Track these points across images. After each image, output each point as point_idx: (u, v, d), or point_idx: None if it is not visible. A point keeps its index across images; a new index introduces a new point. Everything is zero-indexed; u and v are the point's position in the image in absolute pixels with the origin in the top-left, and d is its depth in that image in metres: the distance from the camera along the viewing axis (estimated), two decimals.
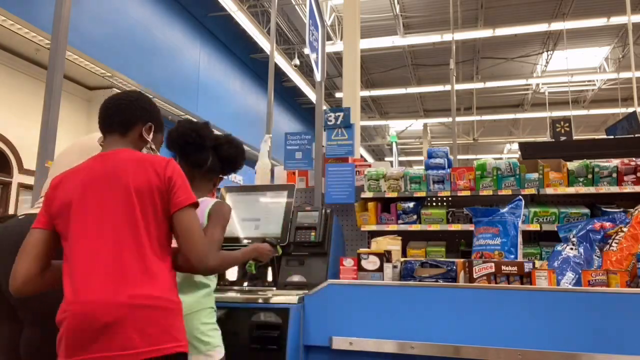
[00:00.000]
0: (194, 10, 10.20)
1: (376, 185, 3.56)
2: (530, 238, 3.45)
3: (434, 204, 3.76)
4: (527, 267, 1.87)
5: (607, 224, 2.15)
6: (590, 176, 3.26)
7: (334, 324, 1.74)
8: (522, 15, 10.78)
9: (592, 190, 3.22)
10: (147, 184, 1.41)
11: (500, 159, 3.65)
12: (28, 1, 6.21)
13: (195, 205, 1.49)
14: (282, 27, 11.71)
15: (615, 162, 3.26)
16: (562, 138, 4.81)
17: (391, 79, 14.28)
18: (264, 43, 10.49)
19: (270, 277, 2.38)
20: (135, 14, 8.50)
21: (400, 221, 3.49)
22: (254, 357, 1.93)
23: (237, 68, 12.07)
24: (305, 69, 13.14)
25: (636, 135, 4.59)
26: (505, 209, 2.29)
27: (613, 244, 1.98)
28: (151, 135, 1.59)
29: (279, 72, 11.76)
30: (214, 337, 1.75)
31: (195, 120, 2.07)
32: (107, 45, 7.67)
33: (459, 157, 17.29)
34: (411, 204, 3.51)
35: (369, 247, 3.60)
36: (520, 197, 2.39)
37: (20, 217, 1.73)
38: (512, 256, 2.11)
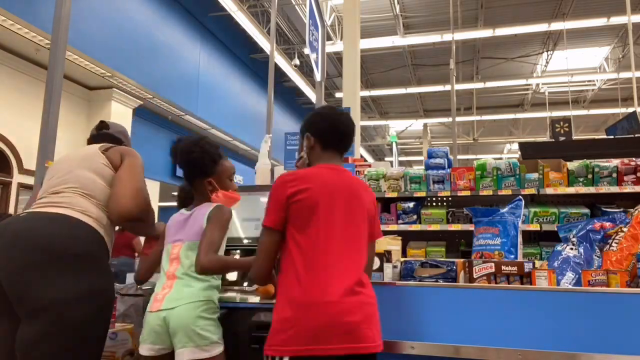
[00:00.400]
0: (194, 10, 10.20)
1: (376, 185, 3.56)
2: (530, 238, 3.45)
3: (434, 204, 3.76)
4: (527, 267, 1.86)
5: (607, 224, 2.15)
6: (590, 176, 3.27)
7: None
8: (522, 15, 10.78)
9: (592, 190, 3.22)
10: (370, 209, 1.75)
11: (500, 159, 3.65)
12: (28, 1, 6.21)
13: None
14: (282, 27, 11.71)
15: (615, 162, 3.26)
16: (562, 138, 4.81)
17: (391, 79, 14.28)
18: (264, 43, 10.49)
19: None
20: (135, 14, 8.50)
21: (400, 221, 3.49)
22: (254, 357, 1.93)
23: (237, 68, 12.07)
24: (305, 69, 13.14)
25: (636, 135, 4.58)
26: (505, 209, 2.29)
27: (613, 244, 1.97)
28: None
29: (279, 72, 11.76)
30: (213, 332, 1.80)
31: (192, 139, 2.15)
32: (107, 45, 7.67)
33: (459, 157, 17.30)
34: (411, 204, 3.52)
35: None
36: (521, 197, 2.38)
37: (21, 215, 1.73)
38: (512, 256, 2.11)
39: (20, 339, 1.54)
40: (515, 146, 18.12)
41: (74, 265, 1.61)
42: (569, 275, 1.96)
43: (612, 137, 5.24)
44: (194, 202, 2.06)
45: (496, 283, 1.88)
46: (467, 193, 3.39)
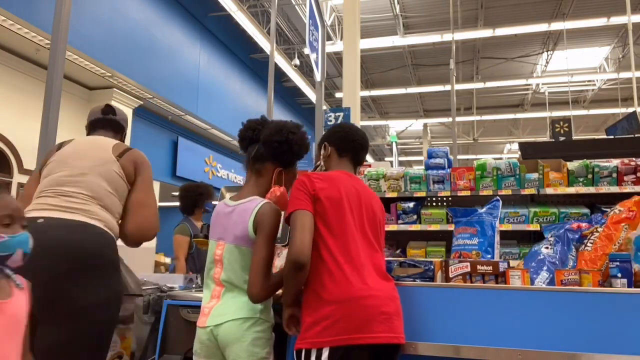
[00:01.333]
0: (194, 10, 10.19)
1: (376, 185, 3.56)
2: (530, 238, 3.45)
3: (434, 204, 3.76)
4: (502, 266, 1.88)
5: (584, 224, 2.18)
6: (590, 176, 3.27)
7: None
8: (522, 15, 10.77)
9: (592, 190, 3.22)
10: (382, 219, 1.83)
11: (500, 159, 3.65)
12: (28, 1, 6.21)
13: None
14: (282, 27, 11.71)
15: (615, 162, 3.26)
16: (562, 138, 4.81)
17: (391, 79, 14.28)
18: (264, 43, 10.49)
19: None
20: (135, 14, 8.50)
21: (400, 221, 3.49)
22: None
23: (237, 68, 12.07)
24: (305, 69, 13.14)
25: (636, 135, 4.59)
26: (483, 210, 2.31)
27: (588, 244, 1.99)
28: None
29: (279, 72, 11.76)
30: (262, 347, 1.70)
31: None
32: (107, 45, 7.66)
33: (459, 157, 17.29)
34: (411, 204, 3.52)
35: None
36: (498, 197, 2.40)
37: (39, 221, 1.71)
38: (489, 256, 2.13)
39: (46, 342, 1.58)
40: (515, 146, 18.11)
41: (102, 273, 1.70)
42: (544, 275, 1.98)
43: (612, 137, 5.23)
44: (243, 190, 1.89)
45: (472, 282, 1.89)
46: (467, 193, 3.39)
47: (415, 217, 3.48)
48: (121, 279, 1.84)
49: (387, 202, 3.56)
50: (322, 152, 1.88)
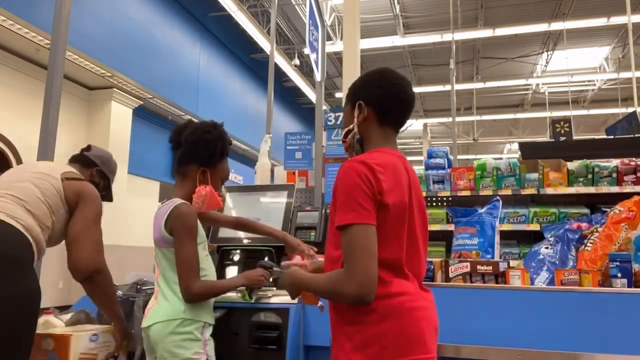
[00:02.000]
0: (194, 10, 10.19)
1: None
2: (531, 238, 3.45)
3: (434, 204, 3.76)
4: (502, 266, 1.88)
5: (584, 225, 2.18)
6: (590, 176, 3.27)
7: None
8: (522, 15, 10.77)
9: (592, 190, 3.22)
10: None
11: (500, 159, 3.64)
12: (28, 1, 6.21)
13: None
14: (282, 27, 11.71)
15: (615, 162, 3.26)
16: (562, 138, 4.80)
17: None
18: (264, 43, 10.49)
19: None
20: (135, 14, 8.50)
21: None
22: (254, 357, 1.93)
23: (237, 68, 12.07)
24: (305, 69, 13.14)
25: (636, 135, 4.58)
26: (483, 210, 2.32)
27: (588, 244, 2.00)
28: None
29: (279, 72, 11.76)
30: (187, 348, 1.70)
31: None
32: (107, 45, 7.66)
33: (459, 157, 17.27)
34: None
35: None
36: (498, 197, 2.40)
37: None
38: (489, 256, 2.13)
39: None
40: (515, 146, 18.11)
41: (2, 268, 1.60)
42: (544, 275, 1.98)
43: (612, 137, 5.23)
44: (173, 192, 1.93)
45: (472, 282, 1.90)
46: (467, 193, 3.39)
47: None
48: (28, 279, 1.68)
49: None
50: (356, 113, 1.42)
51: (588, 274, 1.79)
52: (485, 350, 1.71)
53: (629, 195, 3.14)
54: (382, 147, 1.41)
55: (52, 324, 1.99)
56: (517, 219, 3.31)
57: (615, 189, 3.19)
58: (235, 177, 12.16)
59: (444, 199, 3.71)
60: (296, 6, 10.85)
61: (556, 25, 10.29)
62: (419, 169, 3.68)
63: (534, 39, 11.93)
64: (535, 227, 3.26)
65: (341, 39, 9.86)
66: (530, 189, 3.29)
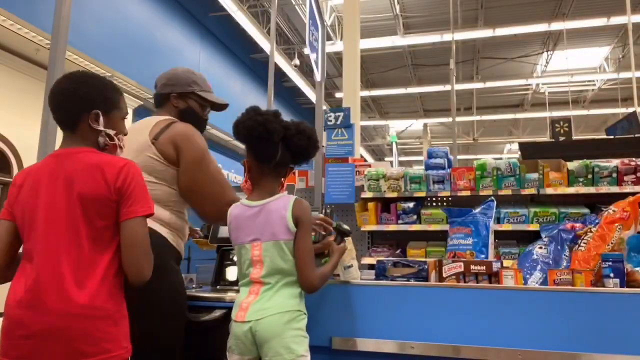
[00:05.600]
0: (194, 10, 10.19)
1: (376, 185, 3.56)
2: (530, 238, 3.45)
3: (434, 204, 3.76)
4: (495, 266, 1.89)
5: (578, 225, 2.19)
6: (590, 176, 3.27)
7: (334, 324, 1.74)
8: (522, 15, 10.77)
9: (592, 190, 3.22)
10: (95, 193, 1.39)
11: (500, 159, 3.64)
12: (28, 1, 6.22)
13: (148, 216, 1.47)
14: (282, 27, 11.71)
15: (615, 162, 3.26)
16: (562, 138, 4.80)
17: (391, 79, 14.27)
18: (264, 43, 10.48)
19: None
20: (135, 14, 8.50)
21: (400, 221, 3.49)
22: None
23: (237, 68, 12.07)
24: (305, 69, 13.14)
25: (636, 135, 4.58)
26: (478, 210, 2.33)
27: (582, 244, 2.01)
28: (102, 122, 1.51)
29: (279, 72, 11.76)
30: (301, 344, 1.67)
31: (264, 110, 1.91)
32: (107, 45, 7.67)
33: (459, 157, 17.27)
34: (411, 204, 3.52)
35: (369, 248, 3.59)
36: (493, 198, 2.41)
37: None
38: (483, 256, 2.14)
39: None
40: (515, 146, 18.10)
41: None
42: (537, 275, 1.99)
43: (612, 137, 5.23)
44: (258, 190, 1.83)
45: (465, 282, 1.90)
46: (467, 193, 3.39)
47: (415, 217, 3.48)
48: (167, 284, 1.74)
49: (387, 202, 3.56)
50: None
51: (581, 274, 1.80)
52: (485, 350, 1.71)
53: (629, 196, 3.15)
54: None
55: None
56: (517, 219, 3.31)
57: (615, 189, 3.19)
58: (235, 177, 12.16)
59: (444, 199, 3.71)
60: (296, 6, 10.85)
61: (556, 25, 10.29)
62: (419, 169, 3.68)
63: (534, 39, 11.93)
64: (535, 227, 3.25)
65: (341, 39, 9.86)
66: (530, 189, 3.29)
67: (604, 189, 3.19)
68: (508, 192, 3.32)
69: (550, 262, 2.06)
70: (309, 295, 1.76)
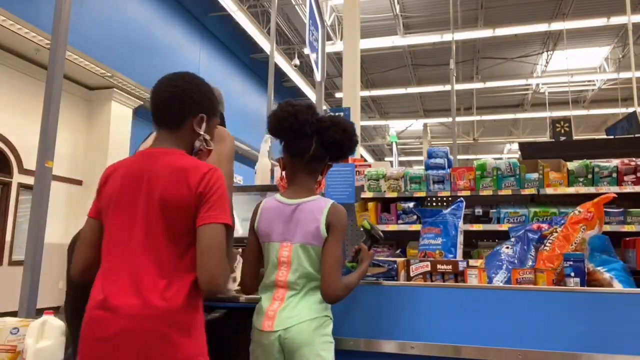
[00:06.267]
0: (194, 10, 10.20)
1: (376, 185, 3.56)
2: None
3: (434, 204, 3.75)
4: (461, 265, 1.93)
5: (544, 225, 2.23)
6: (590, 176, 3.26)
7: (335, 324, 1.74)
8: (522, 15, 10.78)
9: (592, 190, 3.22)
10: (177, 197, 1.35)
11: (500, 159, 3.64)
12: (28, 1, 6.22)
13: (227, 226, 1.39)
14: (282, 27, 11.71)
15: (615, 162, 3.26)
16: (562, 138, 4.80)
17: (391, 79, 14.28)
18: (264, 43, 10.49)
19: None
20: (135, 14, 8.50)
21: (400, 221, 3.49)
22: None
23: (237, 68, 12.07)
24: (305, 69, 13.14)
25: (636, 135, 4.58)
26: (447, 210, 2.36)
27: (547, 244, 2.05)
28: (204, 127, 1.51)
29: (279, 72, 11.76)
30: (329, 351, 1.63)
31: (297, 102, 1.79)
32: (107, 45, 7.67)
33: (459, 157, 17.29)
34: (411, 204, 3.51)
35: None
36: (462, 198, 2.44)
37: None
38: (452, 255, 2.17)
39: None
40: (515, 146, 18.11)
41: None
42: (502, 274, 2.03)
43: (612, 137, 5.23)
44: (293, 187, 1.75)
45: (432, 281, 1.95)
46: (467, 193, 3.39)
47: (415, 217, 3.48)
48: None
49: (387, 202, 3.56)
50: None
51: (543, 273, 1.85)
52: (485, 350, 1.72)
53: (629, 196, 3.15)
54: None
55: (52, 324, 1.99)
56: (517, 219, 3.31)
57: (615, 189, 3.18)
58: (235, 177, 12.17)
59: (444, 199, 3.71)
60: (296, 6, 10.85)
61: (556, 25, 10.30)
62: (419, 169, 3.68)
63: (534, 39, 11.93)
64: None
65: (341, 39, 9.87)
66: (530, 189, 3.29)
67: (604, 189, 3.18)
68: (508, 192, 3.32)
69: (516, 261, 2.10)
70: None
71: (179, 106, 1.46)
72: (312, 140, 1.72)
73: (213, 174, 1.40)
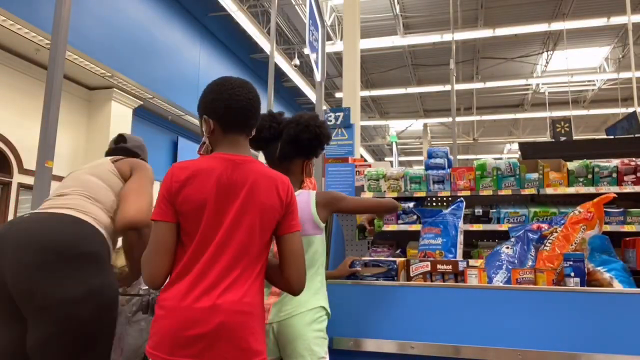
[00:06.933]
0: (194, 10, 10.19)
1: (376, 185, 3.56)
2: None
3: (434, 204, 3.76)
4: (461, 265, 1.94)
5: (544, 225, 2.24)
6: (590, 176, 3.26)
7: (335, 324, 1.74)
8: (522, 15, 10.77)
9: (592, 190, 3.22)
10: (272, 205, 1.44)
11: (500, 159, 3.64)
12: (28, 1, 6.21)
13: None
14: (282, 27, 11.71)
15: (615, 162, 3.26)
16: (562, 138, 4.80)
17: (391, 79, 14.28)
18: (264, 43, 10.49)
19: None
20: (135, 14, 8.50)
21: (400, 221, 3.49)
22: None
23: (237, 68, 12.07)
24: (305, 69, 13.14)
25: (636, 135, 4.58)
26: (447, 210, 2.37)
27: (547, 244, 2.05)
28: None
29: (279, 72, 11.76)
30: (322, 346, 1.65)
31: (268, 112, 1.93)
32: (107, 45, 7.67)
33: (459, 157, 17.29)
34: (411, 204, 3.51)
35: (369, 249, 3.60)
36: (462, 198, 2.44)
37: (25, 216, 1.75)
38: (452, 255, 2.17)
39: (30, 340, 1.56)
40: (515, 146, 18.11)
41: (79, 265, 1.62)
42: (502, 274, 2.04)
43: (612, 137, 5.22)
44: None
45: (432, 281, 1.95)
46: (467, 193, 3.39)
47: (415, 217, 3.48)
48: (111, 274, 1.74)
49: None
50: (204, 127, 1.54)
51: (543, 273, 1.86)
52: (485, 350, 1.71)
53: (629, 196, 3.15)
54: (217, 153, 1.49)
55: None
56: (517, 219, 3.31)
57: (615, 189, 3.18)
58: None
59: (444, 199, 3.71)
60: (296, 6, 10.85)
61: (556, 25, 10.30)
62: (419, 169, 3.68)
63: (534, 39, 11.93)
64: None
65: (341, 39, 9.87)
66: (530, 189, 3.29)
67: (604, 189, 3.18)
68: (508, 192, 3.32)
69: (516, 261, 2.10)
70: None
71: (256, 116, 1.55)
72: (277, 143, 1.84)
73: (290, 185, 1.52)
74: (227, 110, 1.50)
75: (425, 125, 18.15)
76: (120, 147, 2.18)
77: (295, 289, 1.48)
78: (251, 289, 1.38)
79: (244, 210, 1.40)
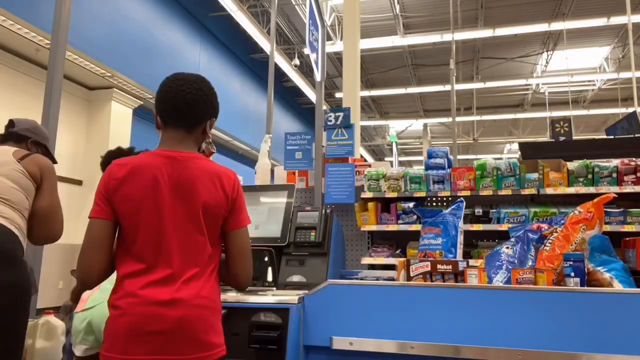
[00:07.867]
0: (194, 10, 10.19)
1: (376, 185, 3.56)
2: None
3: (434, 204, 3.76)
4: (461, 265, 1.94)
5: (544, 225, 2.24)
6: (590, 176, 3.26)
7: (334, 324, 1.74)
8: (522, 15, 10.78)
9: (592, 190, 3.22)
10: (217, 201, 1.42)
11: (500, 159, 3.64)
12: (28, 1, 6.21)
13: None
14: (282, 27, 11.71)
15: (615, 162, 3.26)
16: (562, 138, 4.80)
17: (391, 79, 14.28)
18: (264, 43, 10.49)
19: (270, 277, 2.38)
20: (135, 14, 8.50)
21: (400, 221, 3.49)
22: (254, 357, 1.93)
23: (237, 68, 12.07)
24: (305, 69, 13.14)
25: (636, 135, 4.58)
26: (447, 210, 2.37)
27: (547, 244, 2.05)
28: (211, 130, 1.57)
29: (279, 72, 11.76)
30: None
31: None
32: (107, 45, 7.67)
33: (459, 157, 17.29)
34: (411, 204, 3.51)
35: (368, 248, 3.60)
36: (462, 198, 2.44)
37: None
38: (452, 255, 2.18)
39: None
40: (515, 146, 18.11)
41: None
42: (502, 274, 2.04)
43: (612, 137, 5.23)
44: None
45: (432, 281, 1.96)
46: (467, 193, 3.39)
47: (415, 217, 3.48)
48: (20, 273, 1.78)
49: (387, 202, 3.56)
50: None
51: (543, 273, 1.86)
52: (485, 350, 1.71)
53: (629, 196, 3.15)
54: (157, 149, 1.47)
55: (52, 324, 2.00)
56: (517, 219, 3.31)
57: (615, 189, 3.18)
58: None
59: (444, 199, 3.71)
60: (296, 6, 10.85)
61: (556, 25, 10.30)
62: (419, 169, 3.68)
63: (534, 39, 11.93)
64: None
65: (341, 39, 9.87)
66: (530, 189, 3.29)
67: (604, 189, 3.18)
68: (508, 192, 3.32)
69: (516, 261, 2.11)
70: (308, 297, 1.76)
71: (201, 110, 1.49)
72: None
73: (237, 179, 1.51)
74: (161, 103, 1.48)
75: (425, 125, 18.15)
76: (10, 132, 2.19)
77: (242, 286, 1.48)
78: (206, 285, 1.39)
79: (185, 207, 1.38)
